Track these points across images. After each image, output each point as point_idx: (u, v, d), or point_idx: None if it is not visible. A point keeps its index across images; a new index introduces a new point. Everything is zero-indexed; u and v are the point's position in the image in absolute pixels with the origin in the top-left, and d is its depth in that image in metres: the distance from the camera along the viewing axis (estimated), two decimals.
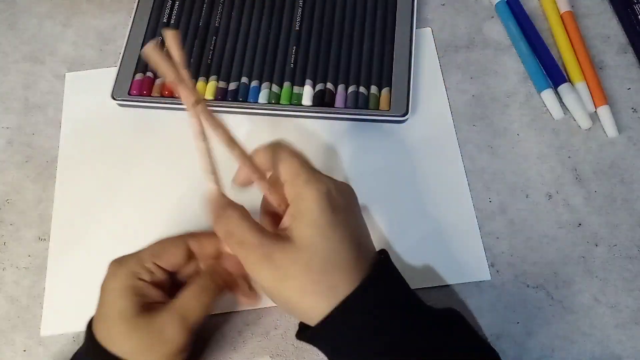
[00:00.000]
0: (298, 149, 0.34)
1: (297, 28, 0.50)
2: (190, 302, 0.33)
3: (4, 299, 0.43)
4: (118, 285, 0.33)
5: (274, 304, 0.41)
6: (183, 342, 0.33)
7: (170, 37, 0.29)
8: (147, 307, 0.33)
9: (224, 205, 0.33)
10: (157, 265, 0.34)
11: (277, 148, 0.33)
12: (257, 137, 0.48)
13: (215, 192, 0.33)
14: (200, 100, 0.30)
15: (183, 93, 0.30)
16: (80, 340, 0.41)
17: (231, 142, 0.31)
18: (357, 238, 0.32)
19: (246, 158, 0.32)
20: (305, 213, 0.31)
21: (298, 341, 0.40)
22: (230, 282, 0.35)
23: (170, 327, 0.32)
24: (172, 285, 0.35)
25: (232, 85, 0.48)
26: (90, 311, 0.42)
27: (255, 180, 0.33)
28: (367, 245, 0.34)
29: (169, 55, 0.29)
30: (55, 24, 0.54)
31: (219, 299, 0.35)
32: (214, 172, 0.32)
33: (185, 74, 0.29)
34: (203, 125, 0.31)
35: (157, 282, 0.34)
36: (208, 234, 0.35)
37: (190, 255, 0.36)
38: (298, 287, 0.31)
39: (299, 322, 0.35)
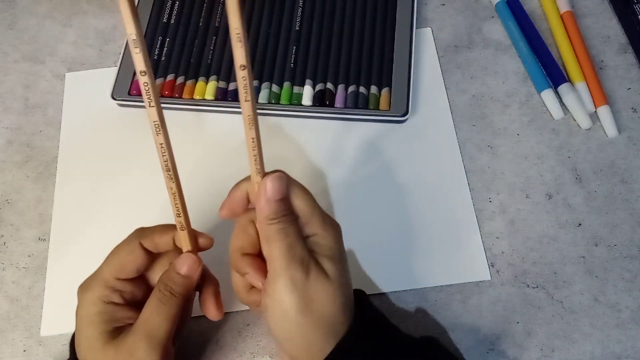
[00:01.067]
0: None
1: (297, 28, 0.50)
2: (152, 319, 0.32)
3: (4, 299, 0.43)
4: (85, 313, 0.32)
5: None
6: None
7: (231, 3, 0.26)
8: (117, 331, 0.32)
9: (290, 206, 0.31)
10: (121, 279, 0.33)
11: (288, 179, 0.32)
12: None
13: (283, 185, 0.31)
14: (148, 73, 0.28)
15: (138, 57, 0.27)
16: None
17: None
18: None
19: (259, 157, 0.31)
20: (328, 250, 0.32)
21: None
22: (189, 286, 0.33)
23: (140, 350, 0.31)
24: (148, 291, 0.34)
25: (232, 85, 0.48)
26: None
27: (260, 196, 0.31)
28: None
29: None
30: (55, 24, 0.54)
31: (188, 305, 0.34)
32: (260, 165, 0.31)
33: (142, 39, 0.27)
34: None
35: (128, 298, 0.33)
36: (158, 229, 0.34)
37: (152, 254, 0.34)
38: (317, 317, 0.30)
39: None
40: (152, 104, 0.29)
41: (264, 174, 0.31)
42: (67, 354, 0.41)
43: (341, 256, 0.32)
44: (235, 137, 0.48)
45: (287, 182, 0.32)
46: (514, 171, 0.46)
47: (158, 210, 0.45)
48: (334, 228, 0.33)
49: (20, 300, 0.43)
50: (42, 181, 0.47)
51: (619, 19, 0.51)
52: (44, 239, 0.45)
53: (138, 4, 0.52)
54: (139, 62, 0.27)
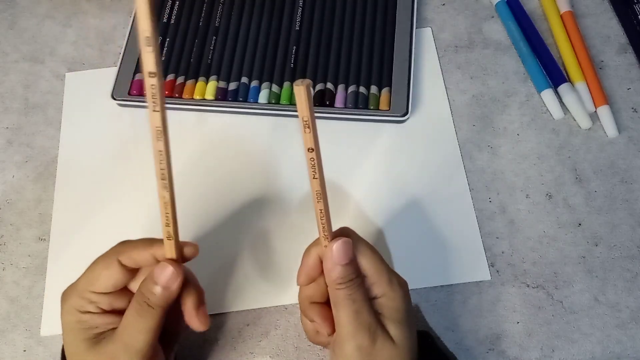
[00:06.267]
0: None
1: (297, 28, 0.50)
2: (130, 331, 0.31)
3: (4, 299, 0.43)
4: (65, 321, 0.32)
5: (274, 304, 0.41)
6: None
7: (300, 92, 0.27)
8: (100, 336, 0.32)
9: (357, 269, 0.32)
10: (96, 292, 0.32)
11: (355, 239, 0.32)
12: (257, 137, 0.48)
13: (350, 249, 0.31)
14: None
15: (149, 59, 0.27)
16: None
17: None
18: None
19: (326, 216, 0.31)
20: (395, 312, 0.32)
21: (298, 341, 0.41)
22: (167, 297, 0.31)
23: (121, 358, 0.30)
24: (129, 301, 0.33)
25: (232, 85, 0.48)
26: None
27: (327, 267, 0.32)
28: None
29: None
30: (55, 24, 0.54)
31: (165, 317, 0.32)
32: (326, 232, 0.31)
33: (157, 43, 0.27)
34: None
35: (107, 309, 0.32)
36: (138, 245, 0.32)
37: (132, 269, 0.33)
38: None
39: None
40: (157, 108, 0.28)
41: (332, 237, 0.32)
42: None
43: (408, 318, 0.33)
44: (235, 137, 0.48)
45: (354, 245, 0.32)
46: (514, 171, 0.46)
47: (157, 209, 0.45)
48: (401, 287, 0.33)
49: (20, 300, 0.43)
50: (42, 181, 0.47)
51: (619, 19, 0.51)
52: (44, 239, 0.45)
53: None
54: (149, 62, 0.27)
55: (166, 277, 0.31)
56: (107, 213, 0.45)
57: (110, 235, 0.45)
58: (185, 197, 0.46)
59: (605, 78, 0.49)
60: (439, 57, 0.50)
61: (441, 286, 0.42)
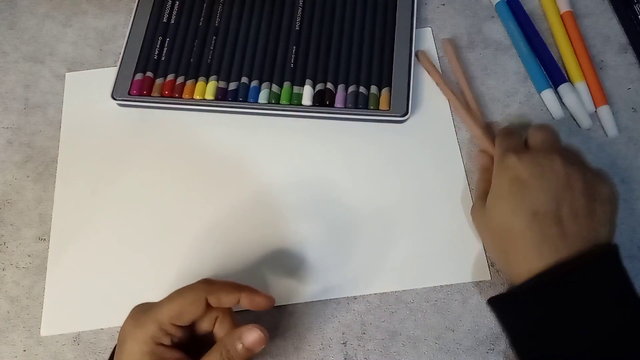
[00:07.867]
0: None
1: (297, 28, 0.50)
2: None
3: (4, 299, 0.43)
4: (136, 350, 0.32)
5: (274, 304, 0.41)
6: None
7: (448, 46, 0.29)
8: None
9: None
10: (176, 325, 0.33)
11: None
12: (257, 137, 0.48)
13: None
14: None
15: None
16: (81, 341, 0.41)
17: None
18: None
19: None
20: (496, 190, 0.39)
21: (298, 341, 0.40)
22: (248, 357, 0.34)
23: None
24: (190, 336, 0.35)
25: (232, 85, 0.48)
26: (88, 311, 0.42)
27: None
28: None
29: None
30: (55, 24, 0.54)
31: None
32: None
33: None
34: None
35: (176, 342, 0.34)
36: (226, 288, 0.35)
37: (208, 307, 0.35)
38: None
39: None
40: None
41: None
42: (67, 354, 0.41)
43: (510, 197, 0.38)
44: (235, 138, 0.48)
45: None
46: None
47: (159, 208, 0.45)
48: (505, 171, 0.39)
49: (20, 300, 0.43)
50: (42, 181, 0.47)
51: (619, 19, 0.51)
52: (44, 239, 0.45)
53: (138, 4, 0.52)
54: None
55: (253, 340, 0.33)
56: (107, 213, 0.45)
57: (110, 235, 0.45)
58: (185, 196, 0.46)
59: (605, 78, 0.49)
60: (439, 57, 0.50)
61: (441, 286, 0.42)
